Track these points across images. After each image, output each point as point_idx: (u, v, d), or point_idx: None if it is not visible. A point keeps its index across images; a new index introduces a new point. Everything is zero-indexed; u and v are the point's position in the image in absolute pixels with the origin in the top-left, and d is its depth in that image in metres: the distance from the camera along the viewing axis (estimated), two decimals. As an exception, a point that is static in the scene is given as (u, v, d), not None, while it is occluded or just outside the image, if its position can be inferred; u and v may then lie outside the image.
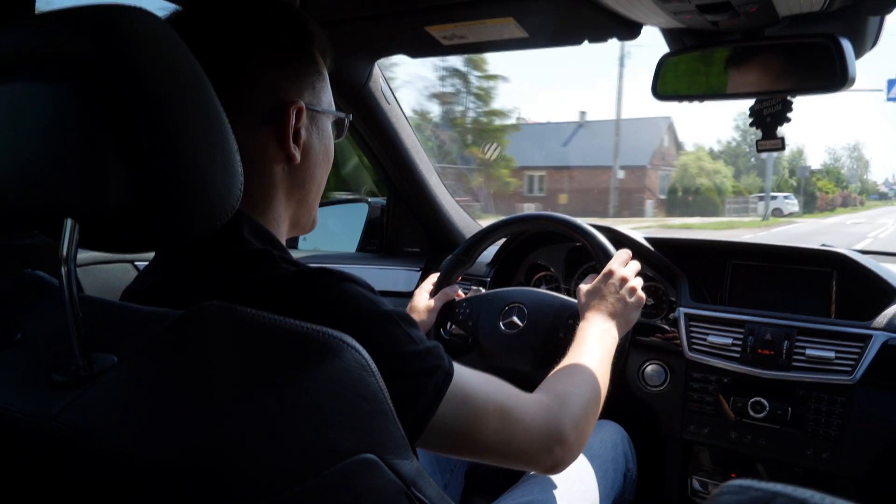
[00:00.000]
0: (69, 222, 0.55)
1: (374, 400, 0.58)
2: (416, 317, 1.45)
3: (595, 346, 1.11)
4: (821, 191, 45.26)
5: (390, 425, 0.59)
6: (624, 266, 1.30)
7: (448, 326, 1.50)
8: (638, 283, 1.28)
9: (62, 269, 0.55)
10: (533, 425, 0.82)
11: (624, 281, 1.26)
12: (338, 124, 0.90)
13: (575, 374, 1.01)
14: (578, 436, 0.88)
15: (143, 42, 0.54)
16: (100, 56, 0.53)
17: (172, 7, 0.85)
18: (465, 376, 0.76)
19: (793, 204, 34.85)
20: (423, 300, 1.48)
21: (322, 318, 0.58)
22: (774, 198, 34.05)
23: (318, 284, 0.68)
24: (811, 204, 42.33)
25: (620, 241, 1.61)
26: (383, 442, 0.58)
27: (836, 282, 1.47)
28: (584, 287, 1.29)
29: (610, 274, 1.27)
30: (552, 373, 1.02)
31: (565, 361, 1.06)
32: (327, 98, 0.86)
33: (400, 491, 0.59)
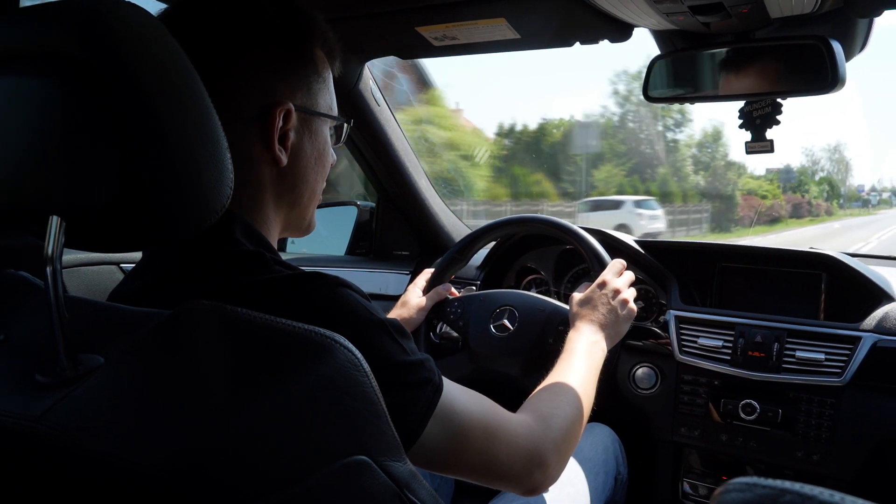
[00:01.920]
0: (54, 220, 0.54)
1: (366, 400, 0.57)
2: (406, 313, 1.44)
3: (583, 360, 1.10)
4: (751, 194, 29.82)
5: (383, 426, 0.58)
6: (618, 276, 1.29)
7: (438, 326, 1.50)
8: (630, 294, 1.28)
9: (47, 269, 0.54)
10: (516, 448, 0.81)
11: (617, 292, 1.25)
12: (337, 129, 0.87)
13: (560, 393, 1.00)
14: (559, 459, 0.88)
15: (130, 36, 0.53)
16: (87, 50, 0.52)
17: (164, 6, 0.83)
18: (454, 393, 0.74)
19: (653, 216, 18.78)
20: (414, 297, 1.47)
21: (315, 322, 0.57)
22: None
23: (312, 288, 0.67)
24: (726, 215, 26.50)
25: (611, 244, 1.61)
26: (376, 443, 0.57)
27: (825, 284, 1.47)
28: (576, 296, 1.28)
29: (603, 284, 1.26)
30: (537, 390, 1.01)
31: (552, 376, 1.05)
32: (325, 101, 0.83)
33: (393, 493, 0.58)
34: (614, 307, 1.23)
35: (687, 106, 1.19)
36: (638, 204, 19.07)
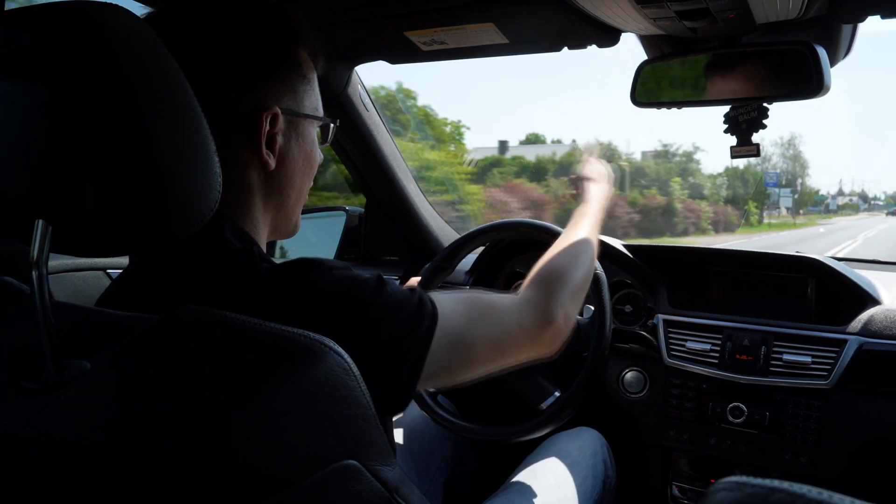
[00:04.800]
0: (40, 224, 0.53)
1: (356, 405, 0.57)
2: None
3: (585, 223, 1.14)
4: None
5: (373, 431, 0.58)
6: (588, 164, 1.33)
7: None
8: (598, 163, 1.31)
9: (33, 273, 0.53)
10: (523, 325, 0.85)
11: (588, 165, 1.30)
12: (323, 129, 0.87)
13: (565, 253, 1.03)
14: (566, 317, 0.91)
15: (117, 39, 0.53)
16: (73, 53, 0.51)
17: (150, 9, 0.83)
18: (448, 312, 0.76)
19: None
20: None
21: (310, 307, 0.57)
22: None
23: (297, 275, 0.67)
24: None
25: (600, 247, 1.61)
26: (366, 448, 0.57)
27: (811, 288, 1.49)
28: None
29: (577, 178, 1.30)
30: (546, 255, 1.03)
31: (559, 243, 1.08)
32: (311, 102, 0.84)
33: (383, 498, 0.58)
34: (592, 176, 1.27)
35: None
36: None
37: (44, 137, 0.52)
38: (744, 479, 0.30)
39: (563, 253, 1.03)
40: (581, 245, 1.06)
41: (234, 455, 0.49)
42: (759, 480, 0.29)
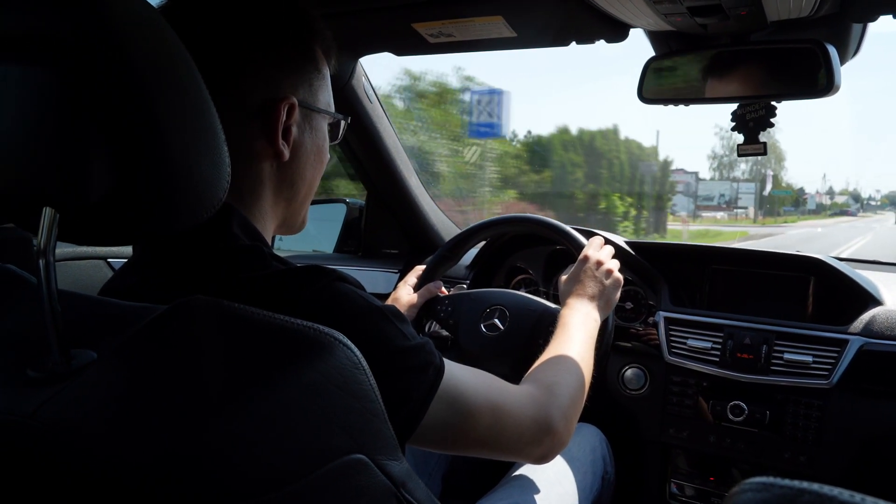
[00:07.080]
0: (48, 211, 0.52)
1: (365, 399, 0.56)
2: None
3: (578, 331, 1.13)
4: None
5: (381, 425, 0.58)
6: (598, 250, 1.32)
7: (428, 324, 1.49)
8: (614, 265, 1.30)
9: (40, 262, 0.52)
10: (523, 419, 0.83)
11: (599, 264, 1.28)
12: (334, 127, 0.87)
13: (561, 362, 1.03)
14: (567, 425, 0.90)
15: (125, 23, 0.52)
16: (81, 36, 0.50)
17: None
18: (456, 373, 0.75)
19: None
20: (405, 294, 1.46)
21: (313, 316, 0.56)
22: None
23: (310, 282, 0.67)
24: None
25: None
26: (374, 442, 0.57)
27: (813, 287, 1.48)
28: (563, 277, 1.31)
29: (585, 259, 1.29)
30: (538, 362, 1.03)
31: (550, 349, 1.08)
32: (325, 98, 0.84)
33: (390, 492, 0.58)
34: (599, 278, 1.26)
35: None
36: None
37: (51, 123, 0.51)
38: (771, 479, 0.29)
39: (561, 362, 1.03)
40: (582, 360, 1.05)
41: (240, 447, 0.48)
42: (786, 481, 0.29)
